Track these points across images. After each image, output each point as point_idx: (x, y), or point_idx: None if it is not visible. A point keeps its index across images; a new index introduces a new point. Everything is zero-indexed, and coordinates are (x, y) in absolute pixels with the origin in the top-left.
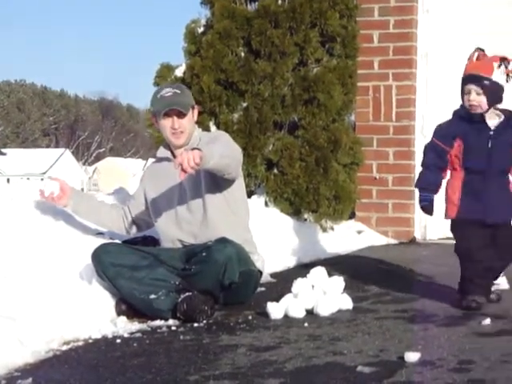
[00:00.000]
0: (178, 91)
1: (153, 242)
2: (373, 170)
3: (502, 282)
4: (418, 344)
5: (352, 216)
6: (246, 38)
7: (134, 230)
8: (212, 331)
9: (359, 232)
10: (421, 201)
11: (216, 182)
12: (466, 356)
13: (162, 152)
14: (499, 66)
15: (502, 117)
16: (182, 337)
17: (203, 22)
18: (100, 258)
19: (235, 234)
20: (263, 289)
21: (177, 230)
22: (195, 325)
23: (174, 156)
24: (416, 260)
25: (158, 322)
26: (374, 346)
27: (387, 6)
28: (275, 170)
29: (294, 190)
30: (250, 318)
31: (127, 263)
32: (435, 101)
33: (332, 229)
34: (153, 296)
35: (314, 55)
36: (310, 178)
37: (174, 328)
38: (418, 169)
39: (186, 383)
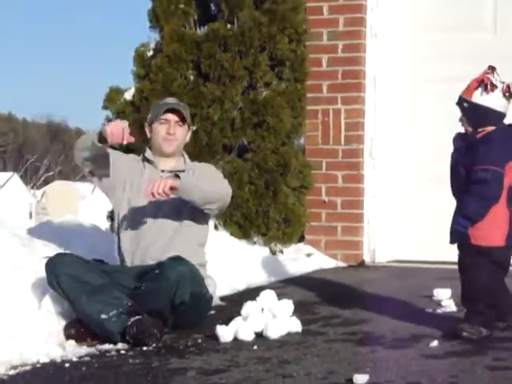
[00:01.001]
0: (182, 104)
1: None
2: (322, 193)
3: (449, 305)
4: (366, 366)
5: (301, 239)
6: (195, 62)
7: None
8: (161, 355)
9: (308, 255)
10: None
11: (199, 214)
12: (413, 378)
13: (150, 155)
14: (476, 88)
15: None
16: (131, 360)
17: (152, 45)
18: (55, 268)
19: (193, 258)
20: (213, 312)
21: (136, 247)
22: (144, 348)
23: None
24: (365, 282)
25: (106, 346)
26: (323, 368)
27: (336, 31)
28: None
29: (244, 214)
30: (200, 341)
31: (82, 277)
32: (384, 124)
33: (281, 252)
34: (104, 316)
35: (263, 79)
36: (259, 201)
37: (123, 352)
38: (368, 192)
39: None
